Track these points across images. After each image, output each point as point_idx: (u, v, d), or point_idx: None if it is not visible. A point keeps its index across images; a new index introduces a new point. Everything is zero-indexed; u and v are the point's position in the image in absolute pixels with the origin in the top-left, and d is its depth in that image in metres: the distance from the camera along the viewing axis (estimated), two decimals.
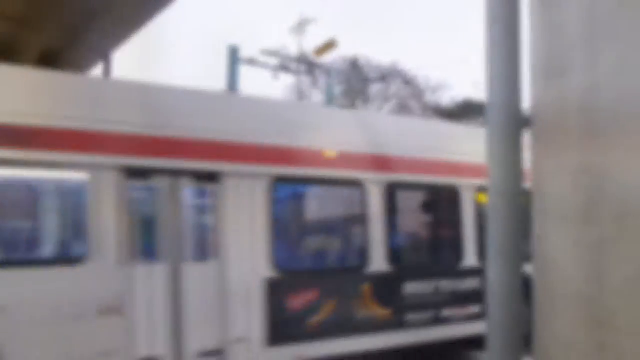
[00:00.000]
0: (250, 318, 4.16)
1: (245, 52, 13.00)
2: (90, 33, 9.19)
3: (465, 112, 19.37)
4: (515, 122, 2.60)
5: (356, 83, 20.86)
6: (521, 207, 2.70)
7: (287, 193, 4.91)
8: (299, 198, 5.24)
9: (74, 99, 3.96)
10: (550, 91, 2.66)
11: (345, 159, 4.79)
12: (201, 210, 4.39)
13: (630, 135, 2.30)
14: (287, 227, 5.06)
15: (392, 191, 5.00)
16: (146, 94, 4.34)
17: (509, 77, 2.62)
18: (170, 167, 4.01)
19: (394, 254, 4.98)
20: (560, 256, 2.59)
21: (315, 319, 4.44)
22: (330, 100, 14.43)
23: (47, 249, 3.96)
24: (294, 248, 5.06)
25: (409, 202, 5.54)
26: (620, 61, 2.42)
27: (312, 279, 4.67)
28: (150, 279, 3.84)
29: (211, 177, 4.12)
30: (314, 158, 4.66)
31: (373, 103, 21.44)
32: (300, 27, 17.88)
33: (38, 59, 9.88)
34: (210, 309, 4.03)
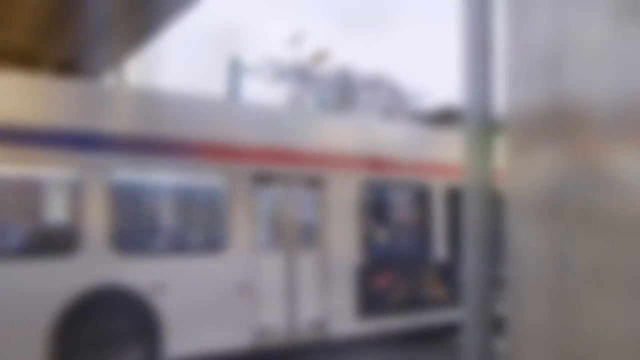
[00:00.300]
0: (345, 295, 5.31)
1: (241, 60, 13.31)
2: (105, 43, 9.59)
3: (444, 117, 19.47)
4: (490, 125, 2.83)
5: (345, 92, 21.38)
6: (495, 204, 2.94)
7: (374, 196, 6.00)
8: (383, 200, 6.39)
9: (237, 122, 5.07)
10: (522, 96, 2.89)
11: (417, 167, 6.07)
12: (310, 208, 5.51)
13: (591, 139, 2.53)
14: (373, 224, 6.22)
15: (450, 193, 6.27)
16: (274, 115, 5.42)
17: (483, 81, 2.83)
18: (287, 173, 5.14)
19: (451, 246, 6.27)
20: (530, 246, 2.83)
21: (394, 297, 5.65)
22: (322, 107, 14.76)
23: (197, 240, 4.93)
24: (378, 240, 6.22)
25: (462, 202, 6.47)
26: (585, 69, 2.64)
27: (392, 266, 5.82)
28: (272, 263, 4.90)
29: (317, 182, 5.29)
30: (395, 166, 5.89)
31: (361, 110, 21.91)
32: (295, 40, 18.28)
33: (55, 67, 10.31)
34: (315, 287, 5.17)
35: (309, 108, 18.46)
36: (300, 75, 16.32)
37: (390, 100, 22.05)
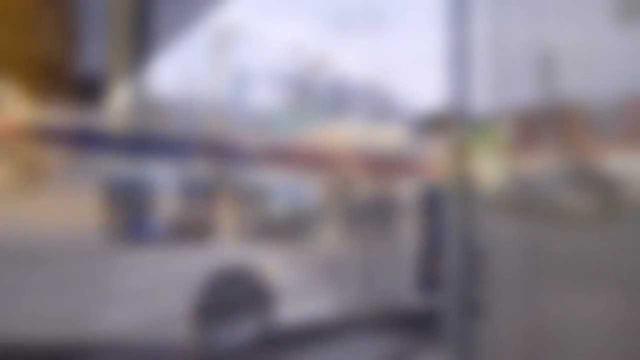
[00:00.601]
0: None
1: None
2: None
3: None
4: (466, 126, 3.08)
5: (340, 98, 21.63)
6: (471, 202, 3.20)
7: None
8: None
9: None
10: (495, 100, 3.15)
11: None
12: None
13: (545, 144, 2.80)
14: None
15: None
16: None
17: (460, 84, 3.07)
18: None
19: None
20: (500, 242, 3.11)
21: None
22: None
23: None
24: None
25: None
26: (542, 77, 2.90)
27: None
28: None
29: None
30: None
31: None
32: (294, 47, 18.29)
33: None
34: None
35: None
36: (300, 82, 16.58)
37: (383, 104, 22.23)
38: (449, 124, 3.14)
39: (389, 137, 12.64)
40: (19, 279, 4.27)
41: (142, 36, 7.49)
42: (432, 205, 6.74)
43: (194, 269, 4.91)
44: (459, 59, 2.97)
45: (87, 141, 4.89)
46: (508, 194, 3.03)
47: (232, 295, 5.07)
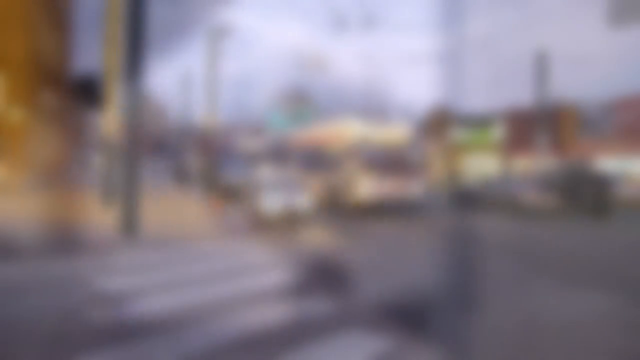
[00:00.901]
0: None
1: None
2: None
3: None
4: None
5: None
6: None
7: None
8: None
9: None
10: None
11: None
12: None
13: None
14: None
15: None
16: None
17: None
18: None
19: None
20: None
21: None
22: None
23: None
24: None
25: None
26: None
27: None
28: None
29: None
30: None
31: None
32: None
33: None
34: None
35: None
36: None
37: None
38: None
39: (387, 135, 13.31)
40: None
41: (137, 37, 7.51)
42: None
43: None
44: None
45: None
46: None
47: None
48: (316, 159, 15.30)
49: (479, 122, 26.94)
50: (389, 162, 13.10)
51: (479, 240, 6.99)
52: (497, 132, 25.43)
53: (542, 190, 15.51)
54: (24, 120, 13.58)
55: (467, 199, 15.97)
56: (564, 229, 10.61)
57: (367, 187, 12.53)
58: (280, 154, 21.17)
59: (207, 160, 17.50)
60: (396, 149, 13.59)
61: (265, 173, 13.34)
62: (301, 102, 53.03)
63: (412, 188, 13.09)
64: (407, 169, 13.28)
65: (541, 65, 18.58)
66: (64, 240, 7.05)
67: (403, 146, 13.76)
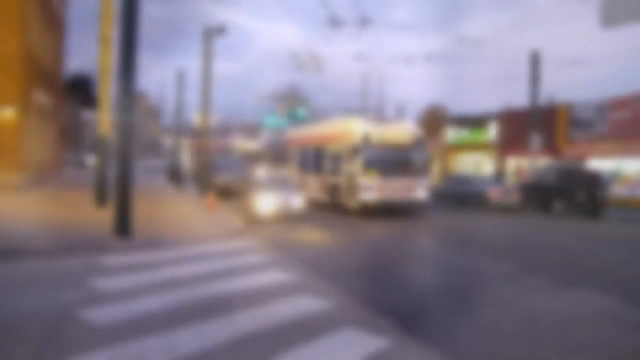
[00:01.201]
0: None
1: None
2: None
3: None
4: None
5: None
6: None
7: None
8: None
9: None
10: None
11: None
12: None
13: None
14: None
15: None
16: None
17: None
18: None
19: None
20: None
21: None
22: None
23: None
24: None
25: None
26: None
27: None
28: None
29: None
30: None
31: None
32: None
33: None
34: None
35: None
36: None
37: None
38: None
39: (394, 135, 13.20)
40: None
41: (130, 36, 7.47)
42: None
43: None
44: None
45: None
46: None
47: None
48: (317, 158, 14.99)
49: (474, 121, 26.98)
50: (395, 161, 12.52)
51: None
52: (492, 132, 25.46)
53: (507, 190, 15.63)
54: (17, 119, 13.48)
55: (440, 197, 16.11)
56: (517, 220, 12.42)
57: (370, 187, 12.02)
58: (276, 153, 20.99)
59: (202, 160, 17.43)
60: (403, 148, 12.94)
61: (261, 173, 13.28)
62: (296, 101, 52.84)
63: (418, 187, 12.52)
64: (413, 169, 12.78)
65: (535, 66, 18.66)
66: (58, 240, 7.01)
67: (410, 145, 13.12)
